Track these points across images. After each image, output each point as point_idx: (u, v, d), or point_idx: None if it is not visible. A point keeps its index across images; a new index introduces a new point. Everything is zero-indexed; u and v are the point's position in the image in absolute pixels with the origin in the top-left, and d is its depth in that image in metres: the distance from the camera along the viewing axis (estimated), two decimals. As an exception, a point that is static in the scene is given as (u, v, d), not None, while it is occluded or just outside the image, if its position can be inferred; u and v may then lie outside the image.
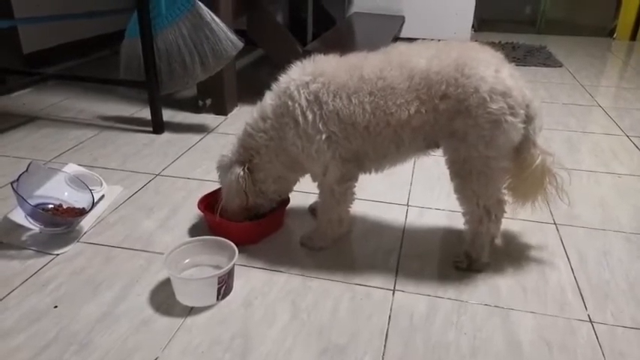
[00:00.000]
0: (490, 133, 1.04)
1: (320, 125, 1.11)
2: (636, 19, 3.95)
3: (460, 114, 1.05)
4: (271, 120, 1.16)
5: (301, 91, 1.11)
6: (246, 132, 1.21)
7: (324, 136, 1.11)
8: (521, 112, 1.05)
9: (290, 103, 1.12)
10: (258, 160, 1.20)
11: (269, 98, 1.18)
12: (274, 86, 1.18)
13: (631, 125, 2.12)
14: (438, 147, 1.16)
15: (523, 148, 1.11)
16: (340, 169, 1.15)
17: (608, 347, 0.97)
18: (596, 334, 1.00)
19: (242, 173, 1.19)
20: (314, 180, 1.24)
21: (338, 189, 1.18)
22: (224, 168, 1.24)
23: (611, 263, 1.22)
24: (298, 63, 1.18)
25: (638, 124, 2.15)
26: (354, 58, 1.15)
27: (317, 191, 1.24)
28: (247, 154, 1.21)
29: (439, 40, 1.14)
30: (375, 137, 1.11)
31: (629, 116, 2.24)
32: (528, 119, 1.08)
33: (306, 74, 1.13)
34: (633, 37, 3.99)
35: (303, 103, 1.11)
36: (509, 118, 1.03)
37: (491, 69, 1.04)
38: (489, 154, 1.06)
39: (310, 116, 1.11)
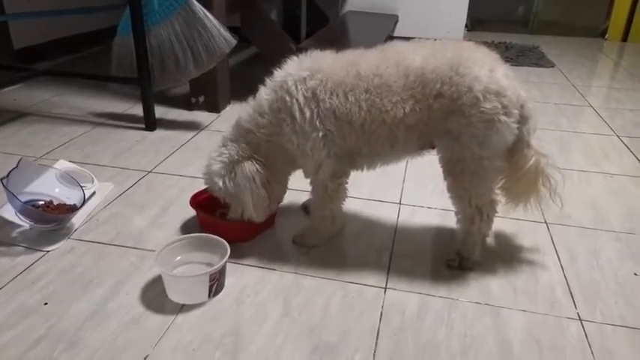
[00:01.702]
0: (483, 132, 1.04)
1: (317, 123, 1.10)
2: (628, 20, 3.98)
3: (454, 113, 1.05)
4: (268, 115, 1.14)
5: (299, 87, 1.10)
6: (244, 128, 1.16)
7: (320, 134, 1.10)
8: (515, 112, 1.05)
9: (288, 98, 1.10)
10: (258, 157, 1.17)
11: (264, 93, 1.15)
12: (269, 81, 1.16)
13: (622, 125, 2.14)
14: (432, 148, 1.16)
15: (517, 148, 1.11)
16: (333, 166, 1.15)
17: (597, 345, 0.97)
18: (585, 333, 1.00)
19: (257, 167, 1.13)
20: (306, 176, 1.24)
21: (331, 185, 1.18)
22: (221, 172, 1.16)
23: (601, 262, 1.22)
24: (294, 58, 1.16)
25: (629, 124, 2.16)
26: (350, 55, 1.14)
27: (310, 188, 1.24)
28: (250, 151, 1.15)
29: (435, 40, 1.14)
30: (369, 135, 1.11)
31: (620, 116, 2.25)
32: (522, 120, 1.08)
33: (304, 69, 1.11)
34: (624, 38, 4.02)
35: (301, 99, 1.09)
36: (503, 118, 1.03)
37: (485, 68, 1.04)
38: (482, 154, 1.06)
39: (308, 113, 1.09)
